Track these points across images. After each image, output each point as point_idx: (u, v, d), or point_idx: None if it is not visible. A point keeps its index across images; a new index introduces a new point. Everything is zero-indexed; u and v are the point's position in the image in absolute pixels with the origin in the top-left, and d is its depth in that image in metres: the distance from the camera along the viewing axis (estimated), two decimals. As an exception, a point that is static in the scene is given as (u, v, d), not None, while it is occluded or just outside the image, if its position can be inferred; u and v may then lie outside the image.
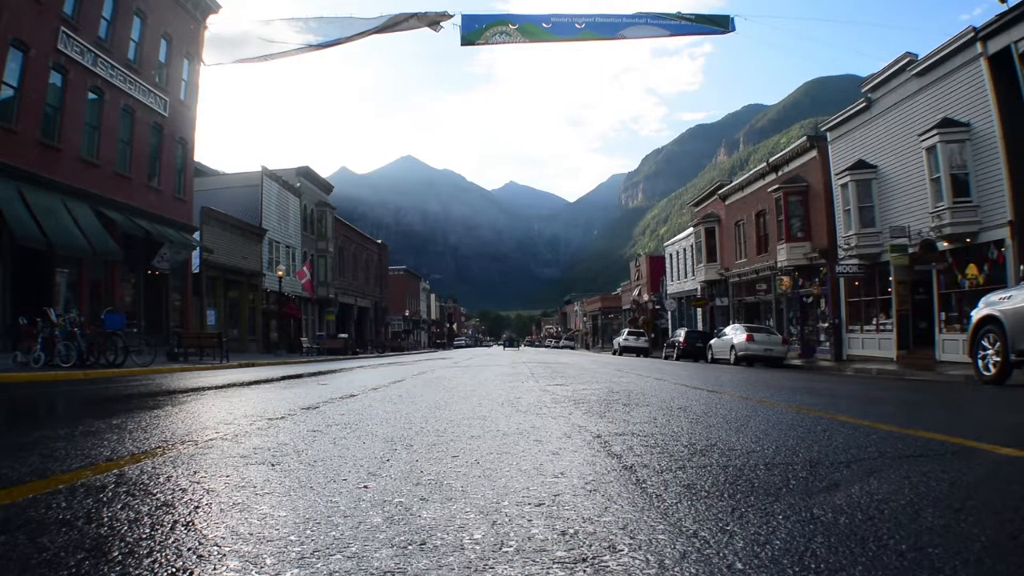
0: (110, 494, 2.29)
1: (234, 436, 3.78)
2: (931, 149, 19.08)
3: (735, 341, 21.75)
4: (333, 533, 1.82)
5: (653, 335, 49.04)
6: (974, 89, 18.05)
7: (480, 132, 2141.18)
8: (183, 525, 1.91)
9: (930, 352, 19.96)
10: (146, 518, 1.98)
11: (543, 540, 1.76)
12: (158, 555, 1.63)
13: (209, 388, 8.44)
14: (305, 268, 39.43)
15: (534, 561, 1.59)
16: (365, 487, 2.43)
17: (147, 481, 2.52)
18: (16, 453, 3.17)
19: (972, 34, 17.81)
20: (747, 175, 35.05)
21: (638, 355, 36.43)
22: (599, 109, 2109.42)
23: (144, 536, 1.79)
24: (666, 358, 29.30)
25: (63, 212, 17.80)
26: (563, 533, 1.83)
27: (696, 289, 42.12)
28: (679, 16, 13.67)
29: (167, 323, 24.24)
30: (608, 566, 1.56)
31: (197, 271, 27.31)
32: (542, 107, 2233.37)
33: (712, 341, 24.85)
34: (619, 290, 79.69)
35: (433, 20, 12.78)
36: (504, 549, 1.69)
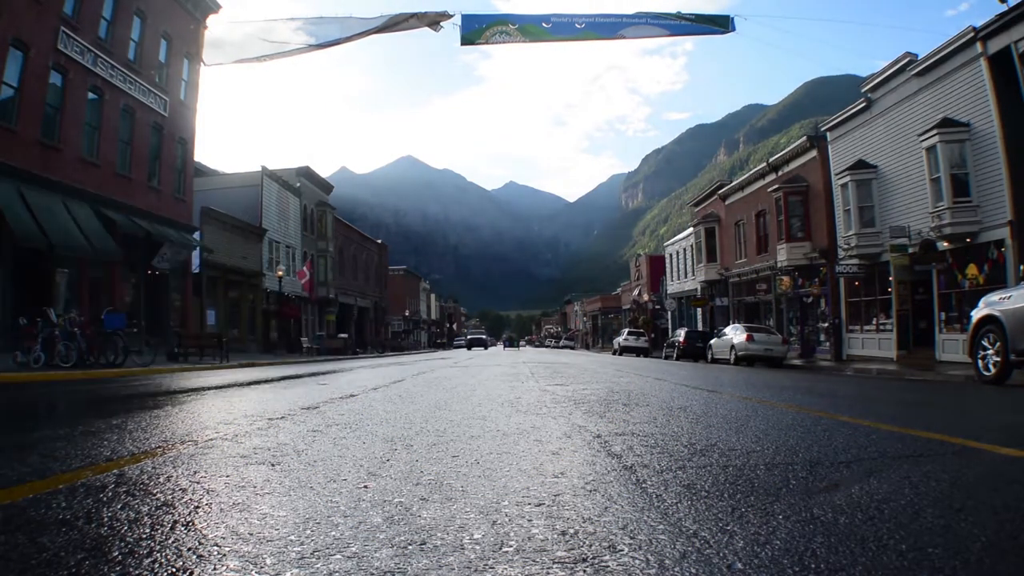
0: (110, 494, 2.29)
1: (234, 436, 3.77)
2: (931, 149, 19.09)
3: (735, 341, 21.75)
4: (333, 533, 1.82)
5: (653, 335, 49.02)
6: (974, 89, 18.04)
7: (480, 132, 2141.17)
8: (183, 525, 1.91)
9: (930, 352, 19.95)
10: (146, 518, 1.98)
11: (543, 540, 1.76)
12: (158, 555, 1.63)
13: (209, 388, 8.43)
14: (305, 268, 39.42)
15: (534, 561, 1.59)
16: (365, 487, 2.43)
17: (147, 481, 2.52)
18: (16, 453, 3.17)
19: (972, 34, 17.81)
20: (747, 175, 35.05)
21: (638, 355, 36.42)
22: (584, 108, 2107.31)
23: (144, 536, 1.79)
24: (666, 358, 29.29)
25: (63, 212, 17.80)
26: (563, 533, 1.83)
27: (696, 289, 42.12)
28: (679, 16, 13.65)
29: (167, 323, 24.23)
30: (608, 566, 1.56)
31: (197, 271, 27.29)
32: (538, 107, 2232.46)
33: (712, 341, 24.84)
34: (619, 290, 79.70)
35: (433, 20, 12.77)
36: (504, 549, 1.68)
